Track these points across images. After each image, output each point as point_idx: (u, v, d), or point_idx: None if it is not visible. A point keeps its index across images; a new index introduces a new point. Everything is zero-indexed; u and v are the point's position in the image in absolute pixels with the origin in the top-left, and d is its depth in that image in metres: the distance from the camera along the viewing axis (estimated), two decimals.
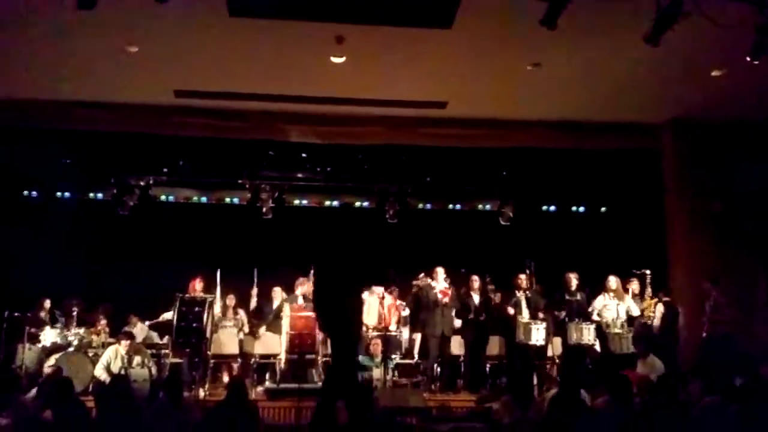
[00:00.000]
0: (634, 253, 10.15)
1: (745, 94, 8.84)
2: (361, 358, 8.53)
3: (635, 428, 5.27)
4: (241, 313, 9.93)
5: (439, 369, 9.56)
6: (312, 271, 9.19)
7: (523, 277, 9.49)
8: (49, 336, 8.90)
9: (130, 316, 9.85)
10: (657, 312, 9.23)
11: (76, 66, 8.54)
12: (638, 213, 10.86)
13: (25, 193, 11.22)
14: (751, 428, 5.27)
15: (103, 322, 9.31)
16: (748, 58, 6.97)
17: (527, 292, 9.46)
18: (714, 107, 9.42)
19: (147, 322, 10.04)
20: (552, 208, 12.13)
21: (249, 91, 9.36)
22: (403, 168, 11.16)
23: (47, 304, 9.51)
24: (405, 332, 10.01)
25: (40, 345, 8.87)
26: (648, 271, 9.41)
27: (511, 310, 9.31)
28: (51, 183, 11.18)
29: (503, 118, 10.14)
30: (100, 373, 8.22)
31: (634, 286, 9.45)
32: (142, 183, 11.07)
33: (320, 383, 8.59)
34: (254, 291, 10.13)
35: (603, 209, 11.99)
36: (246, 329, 9.79)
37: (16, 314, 8.93)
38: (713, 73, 8.48)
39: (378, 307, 9.61)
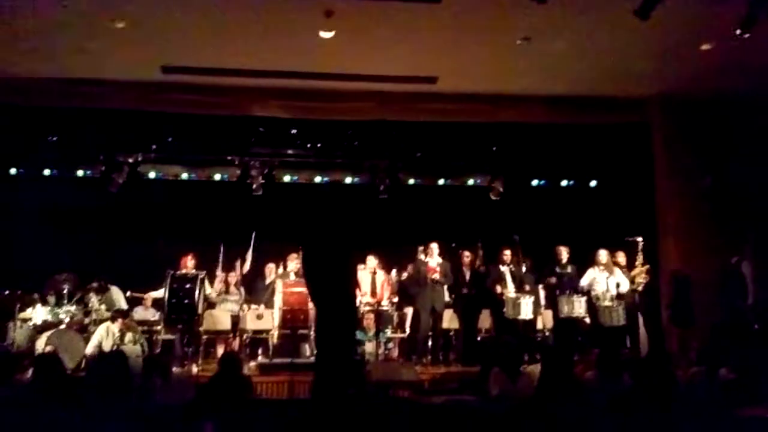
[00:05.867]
0: (623, 227, 10.20)
1: (734, 69, 8.82)
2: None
3: (624, 402, 5.32)
4: (242, 289, 9.95)
5: (431, 343, 9.63)
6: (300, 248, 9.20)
7: (507, 252, 9.56)
8: (39, 314, 8.88)
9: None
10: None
11: (62, 43, 8.43)
12: (628, 187, 10.88)
13: (13, 171, 11.10)
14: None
15: (95, 299, 9.31)
16: (738, 31, 6.99)
17: (511, 266, 9.54)
18: (702, 82, 9.40)
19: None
20: (542, 182, 12.16)
21: (237, 67, 9.28)
22: (394, 144, 11.11)
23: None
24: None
25: (30, 323, 8.85)
26: (640, 239, 9.50)
27: (498, 289, 9.37)
28: (38, 161, 11.06)
29: (493, 93, 10.09)
30: (91, 351, 8.22)
31: (621, 258, 9.54)
32: (130, 160, 10.98)
33: (312, 358, 8.67)
34: (249, 256, 10.05)
35: (593, 183, 12.01)
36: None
37: (6, 292, 8.87)
38: (702, 47, 8.47)
39: (370, 281, 9.64)
